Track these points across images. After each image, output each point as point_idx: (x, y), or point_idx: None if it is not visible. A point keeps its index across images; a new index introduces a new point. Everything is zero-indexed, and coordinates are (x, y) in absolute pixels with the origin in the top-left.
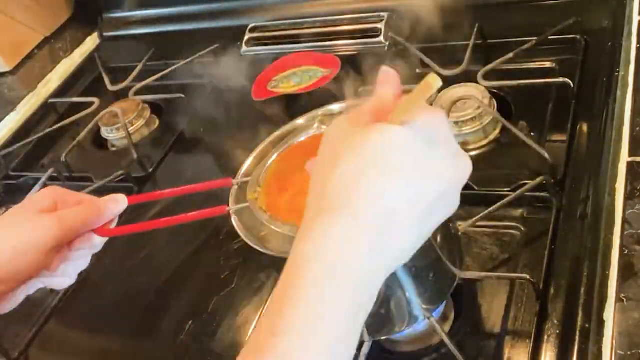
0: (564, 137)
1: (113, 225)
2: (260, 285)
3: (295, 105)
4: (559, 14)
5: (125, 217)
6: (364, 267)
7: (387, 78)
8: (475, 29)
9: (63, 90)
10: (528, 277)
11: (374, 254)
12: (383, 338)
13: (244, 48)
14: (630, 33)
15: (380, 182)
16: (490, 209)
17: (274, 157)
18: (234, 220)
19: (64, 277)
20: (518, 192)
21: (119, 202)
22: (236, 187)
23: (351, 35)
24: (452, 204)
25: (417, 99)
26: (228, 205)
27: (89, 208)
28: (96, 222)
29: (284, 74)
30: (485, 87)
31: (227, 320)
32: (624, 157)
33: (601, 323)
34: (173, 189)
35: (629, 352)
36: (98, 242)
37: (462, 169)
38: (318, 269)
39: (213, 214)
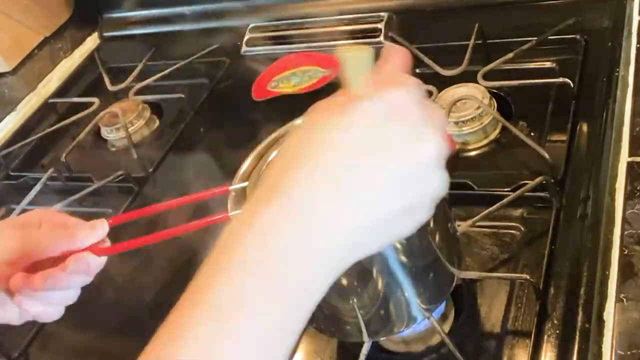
0: (563, 137)
1: (107, 244)
2: None
3: (295, 105)
4: (559, 14)
5: (124, 229)
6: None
7: (391, 53)
8: (475, 29)
9: (63, 90)
10: (528, 277)
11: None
12: (382, 338)
13: (244, 48)
14: (630, 33)
15: (320, 162)
16: (490, 209)
17: (274, 154)
18: None
19: (48, 304)
20: (518, 192)
21: (95, 230)
22: (233, 194)
23: (351, 35)
24: (419, 193)
25: (350, 75)
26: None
27: (60, 230)
28: (67, 244)
29: (284, 74)
30: (485, 87)
31: None
32: (624, 157)
33: (601, 323)
34: (168, 201)
35: (629, 352)
36: (93, 263)
37: (424, 152)
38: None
39: (214, 221)
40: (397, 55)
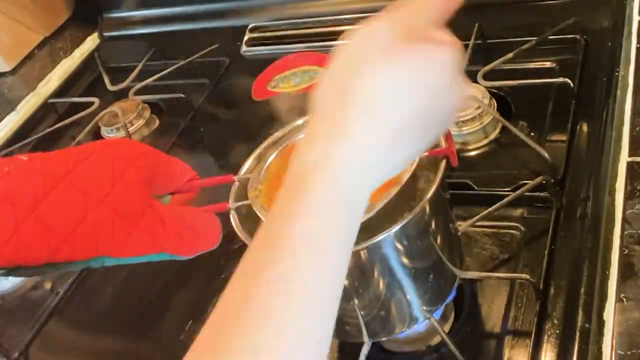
0: (563, 137)
1: None
2: None
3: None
4: (559, 14)
5: None
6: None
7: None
8: (475, 29)
9: (63, 90)
10: (528, 277)
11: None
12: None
13: (244, 48)
14: (630, 33)
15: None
16: (490, 208)
17: (274, 154)
18: (232, 219)
19: None
20: (518, 192)
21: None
22: (237, 184)
23: None
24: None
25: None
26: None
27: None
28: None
29: (284, 74)
30: (485, 87)
31: None
32: (624, 157)
33: (601, 323)
34: None
35: (628, 352)
36: None
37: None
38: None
39: (213, 210)
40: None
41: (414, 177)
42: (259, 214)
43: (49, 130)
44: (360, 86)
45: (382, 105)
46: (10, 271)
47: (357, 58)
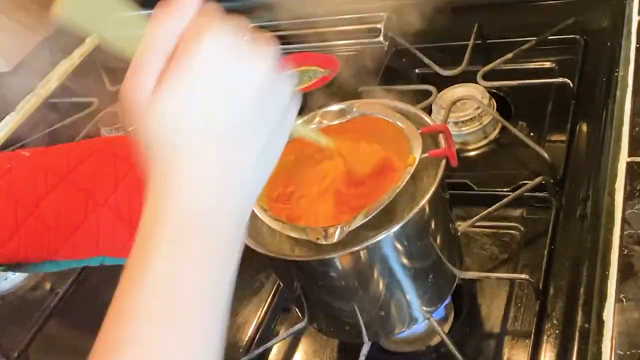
0: (563, 137)
1: None
2: (259, 285)
3: None
4: (558, 14)
5: None
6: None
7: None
8: (475, 29)
9: (63, 90)
10: (527, 277)
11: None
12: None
13: None
14: (629, 33)
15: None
16: (490, 209)
17: None
18: None
19: None
20: (517, 192)
21: None
22: None
23: (351, 35)
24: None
25: None
26: None
27: None
28: None
29: None
30: (485, 87)
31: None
32: (624, 157)
33: (601, 323)
34: None
35: (628, 352)
36: None
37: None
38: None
39: None
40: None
41: (413, 177)
42: (258, 214)
43: (49, 130)
44: (157, 130)
45: (191, 129)
46: (10, 267)
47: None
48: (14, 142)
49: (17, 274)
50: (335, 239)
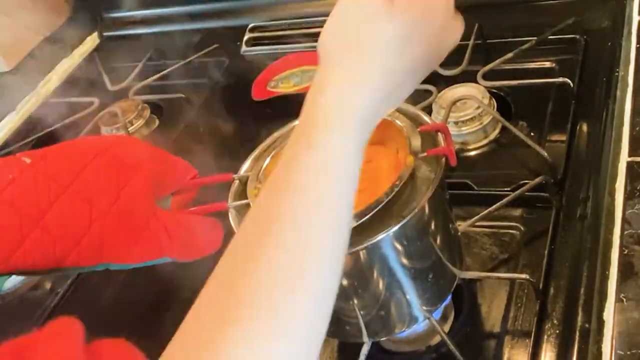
0: (563, 137)
1: None
2: None
3: (295, 105)
4: (559, 13)
5: None
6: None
7: None
8: (475, 29)
9: (63, 90)
10: (528, 277)
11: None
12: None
13: (244, 48)
14: (630, 33)
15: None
16: (490, 208)
17: (273, 153)
18: (232, 218)
19: None
20: (518, 192)
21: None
22: (236, 183)
23: None
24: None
25: None
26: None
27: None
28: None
29: (284, 74)
30: (485, 87)
31: None
32: (624, 157)
33: (601, 323)
34: None
35: (628, 352)
36: None
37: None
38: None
39: (213, 209)
40: None
41: (413, 177)
42: None
43: (48, 130)
44: (368, 35)
45: (388, 53)
46: (15, 273)
47: (361, 7)
48: (14, 142)
49: None
50: None
